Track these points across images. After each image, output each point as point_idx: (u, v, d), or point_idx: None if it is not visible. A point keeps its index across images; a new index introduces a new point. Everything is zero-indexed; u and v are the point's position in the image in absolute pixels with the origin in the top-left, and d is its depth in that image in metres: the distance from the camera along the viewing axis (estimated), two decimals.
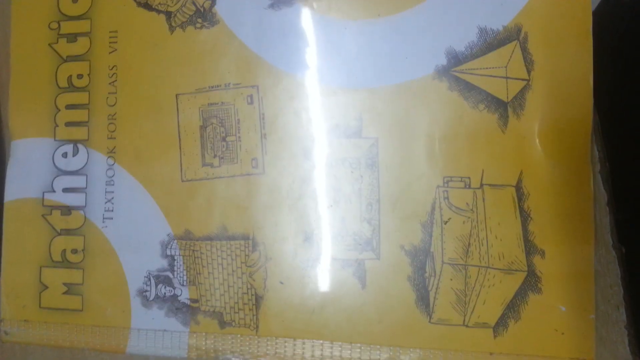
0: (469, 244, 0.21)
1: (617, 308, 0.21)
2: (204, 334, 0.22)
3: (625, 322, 0.21)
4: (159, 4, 0.23)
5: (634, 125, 0.22)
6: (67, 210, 0.24)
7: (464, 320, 0.21)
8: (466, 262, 0.21)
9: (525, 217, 0.20)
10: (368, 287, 0.21)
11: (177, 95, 0.23)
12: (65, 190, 0.24)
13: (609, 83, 0.21)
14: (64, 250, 0.24)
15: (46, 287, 0.24)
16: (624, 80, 0.23)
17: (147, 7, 0.24)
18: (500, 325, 0.20)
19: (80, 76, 0.24)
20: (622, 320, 0.21)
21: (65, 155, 0.24)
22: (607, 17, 0.22)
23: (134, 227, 0.23)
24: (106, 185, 0.24)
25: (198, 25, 0.23)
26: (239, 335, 0.22)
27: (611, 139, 0.21)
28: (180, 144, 0.23)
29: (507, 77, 0.21)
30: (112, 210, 0.23)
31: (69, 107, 0.24)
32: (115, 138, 0.24)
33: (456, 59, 0.21)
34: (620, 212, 0.21)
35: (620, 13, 0.24)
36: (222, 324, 0.22)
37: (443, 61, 0.21)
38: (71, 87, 0.24)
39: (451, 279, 0.21)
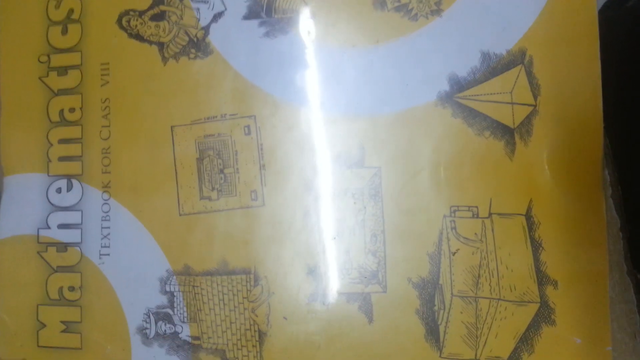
0: (479, 275, 0.20)
1: (634, 336, 0.20)
2: None
3: None
4: (151, 34, 0.23)
5: None
6: (62, 247, 0.23)
7: (476, 355, 0.20)
8: (476, 294, 0.20)
9: (536, 247, 0.20)
10: (375, 321, 0.21)
11: (172, 127, 0.22)
12: (61, 226, 0.23)
13: (616, 103, 0.21)
14: (61, 288, 0.23)
15: (44, 326, 0.23)
16: (633, 98, 0.22)
17: (139, 38, 0.23)
18: (513, 359, 0.20)
19: (72, 110, 0.24)
20: None
21: (59, 190, 0.24)
22: (609, 28, 0.21)
23: (131, 263, 0.22)
24: (102, 220, 0.23)
25: (192, 55, 0.22)
26: None
27: (623, 162, 0.20)
28: (176, 177, 0.22)
29: (512, 103, 0.20)
30: (109, 247, 0.23)
31: (62, 141, 0.24)
32: (110, 172, 0.23)
33: (459, 85, 0.20)
34: (634, 237, 0.20)
35: (622, 24, 0.23)
36: None
37: (445, 87, 0.20)
38: (63, 121, 0.24)
39: (461, 312, 0.20)
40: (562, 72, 0.20)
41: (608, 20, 0.21)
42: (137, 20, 0.23)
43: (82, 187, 0.23)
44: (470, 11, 0.20)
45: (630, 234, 0.20)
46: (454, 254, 0.20)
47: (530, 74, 0.20)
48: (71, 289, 0.23)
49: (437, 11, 0.21)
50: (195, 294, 0.22)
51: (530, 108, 0.20)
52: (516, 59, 0.20)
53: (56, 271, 0.23)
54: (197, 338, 0.22)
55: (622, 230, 0.20)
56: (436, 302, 0.20)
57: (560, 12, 0.20)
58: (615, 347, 0.20)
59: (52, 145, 0.24)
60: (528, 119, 0.20)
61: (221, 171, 0.22)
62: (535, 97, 0.20)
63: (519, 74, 0.20)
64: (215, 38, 0.22)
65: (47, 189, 0.24)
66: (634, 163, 0.21)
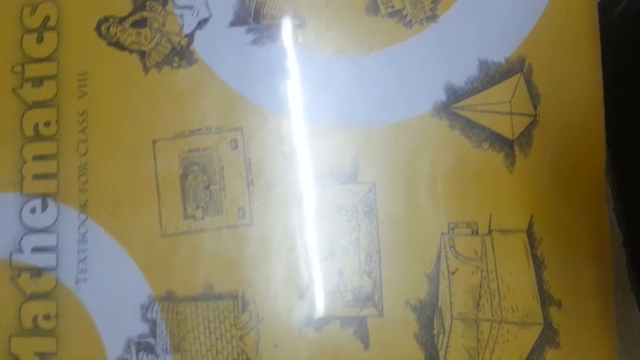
0: (480, 296, 0.19)
1: None
2: None
3: None
4: (132, 42, 0.22)
5: None
6: (37, 272, 0.22)
7: None
8: (477, 316, 0.19)
9: (538, 265, 0.19)
10: (371, 347, 0.19)
11: (154, 142, 0.21)
12: (35, 249, 0.22)
13: (617, 112, 0.20)
14: (36, 317, 0.22)
15: (17, 359, 0.22)
16: (630, 105, 0.22)
17: (119, 46, 0.22)
18: None
19: (47, 124, 0.22)
20: None
21: (33, 210, 0.22)
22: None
23: (110, 289, 0.21)
24: (79, 243, 0.21)
25: (175, 64, 0.21)
26: None
27: (625, 174, 0.20)
28: (158, 195, 0.21)
29: (511, 113, 0.19)
30: (86, 271, 0.21)
31: (36, 158, 0.22)
32: (87, 190, 0.22)
33: (456, 95, 0.19)
34: (638, 253, 0.20)
35: (613, 31, 0.23)
36: None
37: (442, 97, 0.20)
38: (38, 136, 0.22)
39: (462, 336, 0.19)
40: (562, 80, 0.19)
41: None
42: (117, 27, 0.22)
43: (57, 207, 0.22)
44: (467, 17, 0.20)
45: (634, 249, 0.20)
46: (453, 273, 0.19)
47: (529, 83, 0.19)
48: (46, 317, 0.21)
49: (432, 17, 0.20)
50: (179, 321, 0.21)
51: (530, 118, 0.19)
52: (515, 67, 0.19)
53: (30, 298, 0.22)
54: None
55: (624, 245, 0.20)
56: (435, 326, 0.19)
57: (560, 17, 0.19)
58: None
59: (26, 161, 0.22)
60: (528, 130, 0.19)
61: (206, 188, 0.21)
62: (535, 106, 0.19)
63: (518, 82, 0.19)
64: (199, 46, 0.21)
65: (21, 209, 0.22)
66: (635, 174, 0.21)
